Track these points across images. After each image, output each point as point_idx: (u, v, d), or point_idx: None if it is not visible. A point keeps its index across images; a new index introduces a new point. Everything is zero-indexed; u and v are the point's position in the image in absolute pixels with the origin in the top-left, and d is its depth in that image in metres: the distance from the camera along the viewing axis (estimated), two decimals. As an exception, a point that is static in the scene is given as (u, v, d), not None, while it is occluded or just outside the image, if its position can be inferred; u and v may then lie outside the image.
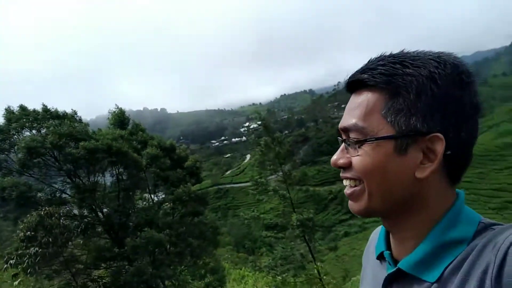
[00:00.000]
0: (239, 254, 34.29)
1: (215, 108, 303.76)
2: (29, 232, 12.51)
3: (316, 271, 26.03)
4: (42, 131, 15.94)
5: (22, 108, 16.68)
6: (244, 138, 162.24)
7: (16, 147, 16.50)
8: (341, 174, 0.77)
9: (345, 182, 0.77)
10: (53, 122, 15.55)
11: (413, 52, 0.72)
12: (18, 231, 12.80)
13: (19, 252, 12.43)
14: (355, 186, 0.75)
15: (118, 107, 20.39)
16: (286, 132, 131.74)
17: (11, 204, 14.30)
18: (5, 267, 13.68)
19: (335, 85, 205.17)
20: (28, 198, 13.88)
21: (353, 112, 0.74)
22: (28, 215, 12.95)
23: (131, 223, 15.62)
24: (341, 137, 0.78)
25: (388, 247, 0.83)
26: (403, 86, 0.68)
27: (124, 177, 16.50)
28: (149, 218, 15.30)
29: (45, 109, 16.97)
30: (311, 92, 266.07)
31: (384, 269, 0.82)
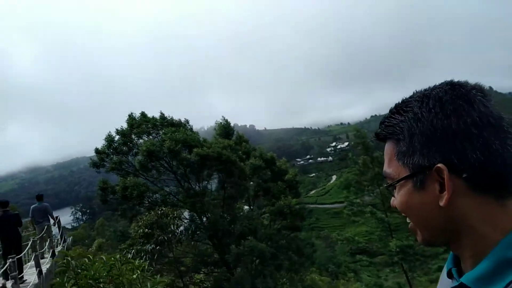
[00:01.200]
0: (322, 278, 33.24)
1: (301, 126, 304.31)
2: (147, 229, 13.44)
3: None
4: (159, 137, 17.21)
5: (143, 115, 18.20)
6: (330, 158, 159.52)
7: (135, 151, 18.04)
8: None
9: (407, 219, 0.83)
10: (170, 129, 16.67)
11: (406, 98, 0.81)
12: (136, 227, 13.82)
13: (138, 247, 13.36)
14: (410, 222, 0.81)
15: (224, 119, 21.33)
16: (377, 153, 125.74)
17: (131, 202, 15.55)
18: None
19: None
20: (146, 198, 14.97)
21: (384, 161, 0.82)
22: (146, 213, 13.93)
23: (234, 231, 15.97)
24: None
25: (455, 264, 0.85)
26: (400, 133, 0.77)
27: (229, 186, 17.06)
28: (252, 227, 15.54)
29: (163, 117, 18.32)
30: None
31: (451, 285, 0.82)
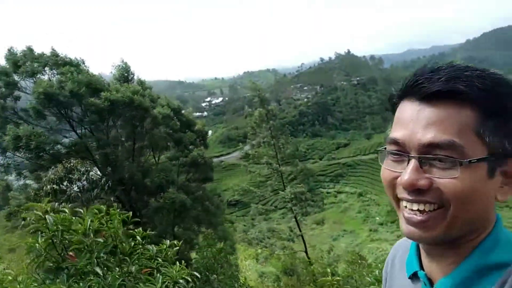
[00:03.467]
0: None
1: (175, 79, 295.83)
2: (55, 186, 11.51)
3: (303, 245, 26.62)
4: (53, 78, 14.68)
5: (30, 50, 15.19)
6: (205, 113, 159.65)
7: (18, 94, 15.21)
8: (411, 198, 0.68)
9: (415, 207, 0.69)
10: (69, 68, 14.28)
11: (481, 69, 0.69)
12: (41, 184, 11.72)
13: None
14: (430, 211, 0.68)
15: (123, 61, 19.12)
16: (250, 110, 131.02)
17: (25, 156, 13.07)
18: (23, 224, 12.55)
19: (298, 67, 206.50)
20: (47, 150, 12.71)
21: (439, 126, 0.65)
22: (52, 167, 11.92)
23: (149, 184, 14.81)
24: (399, 150, 0.71)
25: (421, 266, 0.80)
26: (502, 106, 0.66)
27: (139, 135, 15.58)
28: (169, 178, 14.64)
29: (55, 54, 15.55)
30: (274, 71, 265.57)
31: None
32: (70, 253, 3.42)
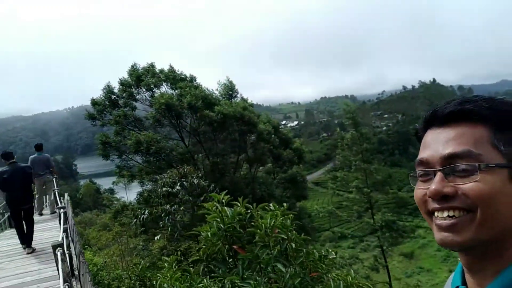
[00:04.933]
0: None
1: (253, 103, 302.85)
2: (170, 189, 12.31)
3: (387, 276, 25.26)
4: (173, 91, 15.90)
5: (152, 65, 16.66)
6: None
7: (135, 104, 16.63)
8: (440, 206, 0.73)
9: (445, 214, 0.73)
10: (187, 83, 15.41)
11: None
12: (157, 186, 12.63)
13: (160, 207, 12.21)
14: (459, 216, 0.71)
15: (228, 79, 20.17)
16: (325, 134, 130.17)
17: (145, 158, 14.24)
18: (135, 221, 13.61)
19: (379, 94, 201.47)
20: (167, 155, 13.74)
21: (456, 141, 0.74)
22: (168, 171, 12.79)
23: (252, 195, 15.21)
24: (425, 168, 0.78)
25: (463, 282, 0.81)
26: (509, 121, 0.73)
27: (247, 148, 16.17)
28: (270, 192, 14.93)
29: (172, 70, 16.89)
30: (352, 98, 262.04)
31: None
32: (234, 246, 3.56)
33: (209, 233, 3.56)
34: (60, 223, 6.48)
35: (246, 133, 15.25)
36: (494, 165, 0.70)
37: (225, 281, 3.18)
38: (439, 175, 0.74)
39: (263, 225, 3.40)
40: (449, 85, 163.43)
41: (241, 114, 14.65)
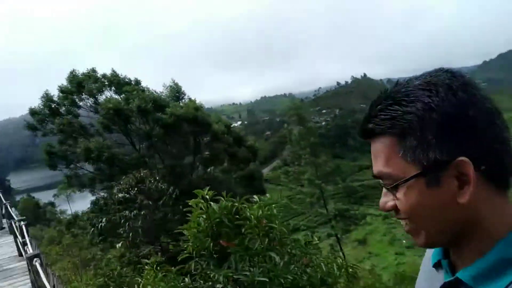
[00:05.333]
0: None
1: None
2: (127, 194, 11.89)
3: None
4: (120, 96, 15.37)
5: (93, 71, 15.99)
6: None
7: (77, 111, 15.92)
8: (395, 216, 0.76)
9: (402, 222, 0.76)
10: (133, 87, 14.98)
11: (404, 87, 0.71)
12: (113, 194, 12.13)
13: (119, 214, 11.75)
14: (407, 225, 0.74)
15: (174, 81, 19.85)
16: (268, 133, 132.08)
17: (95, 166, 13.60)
18: (92, 230, 12.95)
19: (315, 90, 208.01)
20: (119, 161, 13.22)
21: (376, 160, 0.74)
22: (124, 177, 12.35)
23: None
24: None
25: (446, 255, 0.80)
26: (406, 126, 0.67)
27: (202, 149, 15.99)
28: (231, 190, 14.85)
29: (115, 74, 16.32)
30: (290, 96, 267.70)
31: (440, 278, 0.80)
32: (221, 242, 3.58)
33: (196, 230, 3.54)
34: (17, 236, 6.16)
35: (200, 134, 15.10)
36: (403, 181, 0.69)
37: (221, 277, 3.13)
38: (383, 190, 0.75)
39: (252, 216, 3.48)
40: (379, 78, 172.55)
41: (194, 115, 14.50)
